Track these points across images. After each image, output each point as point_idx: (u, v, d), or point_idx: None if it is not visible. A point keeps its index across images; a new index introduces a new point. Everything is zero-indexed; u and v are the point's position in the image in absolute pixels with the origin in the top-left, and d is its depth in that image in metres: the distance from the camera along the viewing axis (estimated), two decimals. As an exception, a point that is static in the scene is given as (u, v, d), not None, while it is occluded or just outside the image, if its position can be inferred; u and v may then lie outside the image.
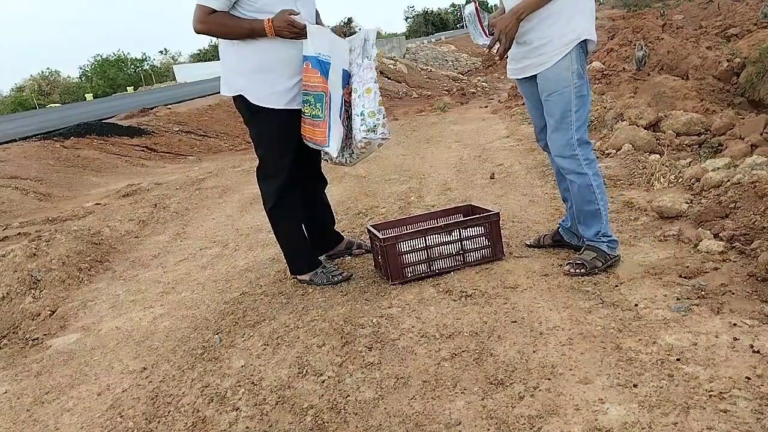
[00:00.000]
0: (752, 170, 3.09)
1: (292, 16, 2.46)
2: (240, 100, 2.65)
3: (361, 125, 2.56)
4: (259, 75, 2.56)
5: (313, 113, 2.56)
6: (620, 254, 2.59)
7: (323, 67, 2.51)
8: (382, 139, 2.59)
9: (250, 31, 2.49)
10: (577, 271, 2.49)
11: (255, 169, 2.82)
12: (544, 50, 2.41)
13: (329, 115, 2.54)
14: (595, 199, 2.49)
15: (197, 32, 2.53)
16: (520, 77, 2.59)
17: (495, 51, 2.42)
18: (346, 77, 2.60)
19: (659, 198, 3.14)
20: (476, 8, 2.49)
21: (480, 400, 1.76)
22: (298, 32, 2.48)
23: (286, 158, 2.71)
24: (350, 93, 2.62)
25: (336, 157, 2.68)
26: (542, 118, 2.61)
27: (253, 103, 2.60)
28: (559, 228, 2.83)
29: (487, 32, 2.46)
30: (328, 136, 2.57)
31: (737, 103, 7.08)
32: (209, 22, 2.49)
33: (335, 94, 2.55)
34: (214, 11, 2.47)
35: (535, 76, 2.50)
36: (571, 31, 2.37)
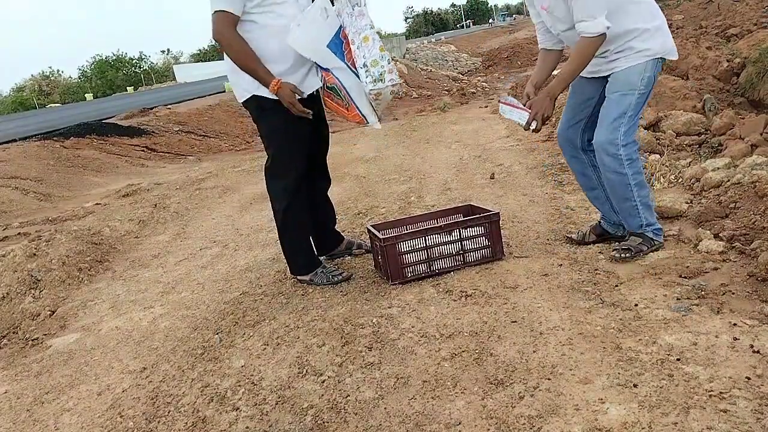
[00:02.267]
0: (752, 170, 3.08)
1: (297, 96, 2.57)
2: (252, 100, 2.66)
3: (367, 77, 2.49)
4: (270, 69, 2.58)
5: (341, 102, 2.64)
6: (663, 241, 2.64)
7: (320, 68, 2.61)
8: (392, 86, 2.53)
9: (258, 77, 2.54)
10: (623, 255, 2.56)
11: (263, 169, 2.82)
12: (620, 56, 2.47)
13: (351, 99, 2.59)
14: (632, 195, 2.54)
15: (215, 40, 2.56)
16: (589, 77, 2.62)
17: (533, 128, 2.47)
18: (338, 42, 2.53)
19: (659, 198, 3.14)
20: (504, 102, 2.58)
21: (480, 400, 1.76)
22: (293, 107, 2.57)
23: (297, 155, 2.74)
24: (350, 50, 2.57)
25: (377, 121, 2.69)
26: (578, 114, 2.67)
27: (268, 97, 2.60)
28: (600, 222, 2.84)
29: (525, 108, 2.50)
30: (363, 115, 2.63)
31: (737, 103, 7.07)
32: (230, 37, 2.51)
33: (340, 73, 2.56)
34: (235, 19, 2.49)
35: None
36: (648, 48, 2.43)
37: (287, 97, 2.55)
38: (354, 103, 2.59)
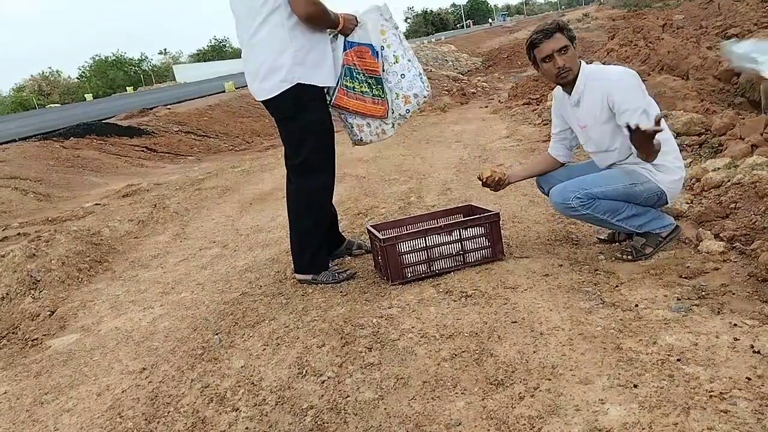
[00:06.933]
0: (752, 170, 3.08)
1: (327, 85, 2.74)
2: (289, 94, 2.61)
3: (423, 81, 2.89)
4: (312, 60, 2.62)
5: (375, 93, 2.84)
6: (673, 235, 2.64)
7: (376, 53, 2.81)
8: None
9: (333, 22, 2.68)
10: (626, 257, 2.59)
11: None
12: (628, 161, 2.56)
13: (388, 94, 2.88)
14: (618, 225, 2.61)
15: (309, 15, 2.55)
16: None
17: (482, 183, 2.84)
18: (375, 51, 2.83)
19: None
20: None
21: (480, 401, 1.76)
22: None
23: (333, 151, 2.80)
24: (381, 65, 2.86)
25: (387, 129, 2.94)
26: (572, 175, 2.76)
27: (315, 85, 2.64)
28: None
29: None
30: (389, 109, 2.89)
31: (737, 103, 7.06)
32: (318, 4, 2.56)
33: (383, 73, 2.85)
34: None
35: None
36: (658, 181, 2.51)
37: (351, 29, 2.75)
38: (389, 99, 2.86)
